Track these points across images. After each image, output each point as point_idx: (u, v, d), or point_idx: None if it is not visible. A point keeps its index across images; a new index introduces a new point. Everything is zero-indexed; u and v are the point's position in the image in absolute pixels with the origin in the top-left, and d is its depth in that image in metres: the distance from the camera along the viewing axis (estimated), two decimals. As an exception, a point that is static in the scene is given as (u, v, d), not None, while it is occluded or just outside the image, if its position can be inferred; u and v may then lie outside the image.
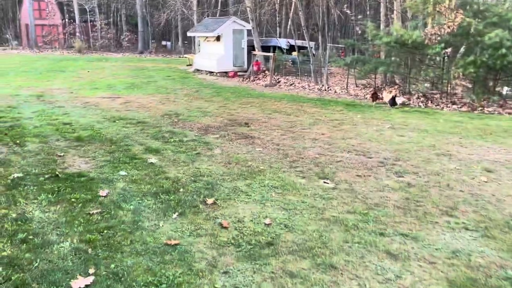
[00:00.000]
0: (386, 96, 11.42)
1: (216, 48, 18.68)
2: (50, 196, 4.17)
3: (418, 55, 12.56)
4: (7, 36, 43.38)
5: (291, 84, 15.37)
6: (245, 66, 18.88)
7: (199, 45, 21.56)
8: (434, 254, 3.20)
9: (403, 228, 3.65)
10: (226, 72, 18.17)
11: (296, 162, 5.58)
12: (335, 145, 6.60)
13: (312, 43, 18.77)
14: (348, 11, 15.27)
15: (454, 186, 4.78)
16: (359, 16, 14.63)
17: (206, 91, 12.95)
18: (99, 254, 3.08)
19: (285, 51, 19.75)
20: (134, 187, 4.52)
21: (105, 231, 3.44)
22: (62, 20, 40.64)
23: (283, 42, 20.60)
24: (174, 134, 7.09)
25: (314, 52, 17.49)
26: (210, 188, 4.51)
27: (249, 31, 18.98)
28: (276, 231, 3.54)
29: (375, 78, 13.85)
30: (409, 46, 11.71)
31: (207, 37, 19.03)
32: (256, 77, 17.10)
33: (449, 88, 11.95)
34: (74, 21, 39.06)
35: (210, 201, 4.14)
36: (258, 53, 18.23)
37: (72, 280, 2.72)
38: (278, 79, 16.30)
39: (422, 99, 11.69)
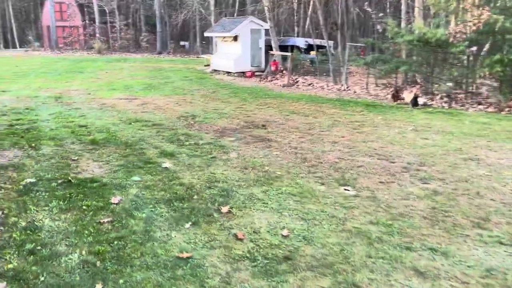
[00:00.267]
0: (408, 96, 11.07)
1: (233, 48, 18.54)
2: (61, 203, 4.05)
3: (441, 53, 12.15)
4: (30, 37, 44.22)
5: (309, 84, 15.11)
6: (263, 66, 18.68)
7: (216, 45, 21.46)
8: (467, 272, 2.95)
9: (431, 242, 3.39)
10: (243, 72, 18.01)
11: (315, 167, 5.36)
12: (355, 148, 6.34)
13: (331, 42, 18.45)
14: (369, 9, 14.90)
15: (484, 194, 4.48)
16: (380, 14, 14.26)
17: (223, 92, 12.81)
18: (108, 267, 2.94)
19: (303, 50, 19.49)
20: (147, 193, 4.37)
21: (115, 242, 3.29)
22: (83, 21, 41.20)
23: (301, 42, 20.33)
24: (190, 137, 6.95)
25: (333, 52, 17.18)
26: (225, 195, 4.33)
27: (266, 31, 18.78)
28: (294, 243, 3.34)
29: (396, 77, 13.48)
30: (432, 44, 11.32)
31: (224, 37, 18.90)
32: (273, 77, 16.89)
33: (474, 87, 11.50)
34: (94, 22, 39.50)
35: (224, 209, 3.96)
36: (276, 52, 18.02)
37: (78, 297, 2.58)
38: (296, 79, 16.05)
39: (445, 99, 11.28)
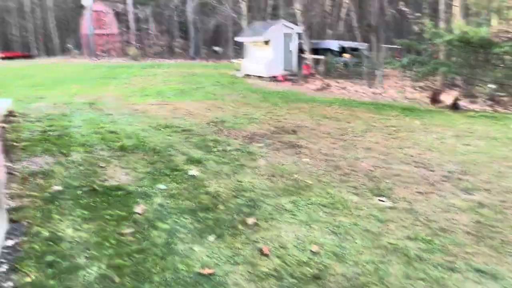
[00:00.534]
0: (447, 99, 10.55)
1: (264, 52, 18.40)
2: (85, 212, 3.98)
3: (483, 54, 11.53)
4: (69, 45, 45.90)
5: (342, 88, 14.73)
6: (295, 69, 18.45)
7: (248, 50, 21.40)
8: (520, 299, 2.62)
9: (477, 262, 3.06)
10: (275, 76, 17.83)
11: (348, 176, 5.08)
12: (391, 155, 6.00)
13: (365, 45, 17.99)
14: (405, 9, 14.38)
15: (536, 207, 4.07)
16: (417, 14, 13.73)
17: (254, 97, 12.66)
18: (126, 283, 2.80)
19: (336, 53, 19.11)
20: (171, 202, 4.24)
21: (136, 255, 3.16)
22: (119, 29, 42.33)
23: (334, 44, 19.96)
24: (218, 143, 6.81)
25: (367, 54, 16.71)
26: (252, 206, 4.13)
27: (299, 34, 18.54)
28: (324, 261, 3.10)
29: (435, 80, 12.92)
30: (473, 44, 10.75)
31: (255, 42, 18.79)
32: (306, 81, 16.61)
33: (520, 89, 10.83)
34: (130, 29, 40.50)
35: (250, 221, 3.76)
36: (308, 56, 17.74)
37: (92, 316, 2.45)
38: (328, 82, 15.71)
39: (488, 102, 10.66)
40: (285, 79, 17.68)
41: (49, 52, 54.21)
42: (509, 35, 9.98)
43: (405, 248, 3.27)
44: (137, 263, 3.05)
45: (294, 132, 7.63)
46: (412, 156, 5.97)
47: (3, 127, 7.96)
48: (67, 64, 31.41)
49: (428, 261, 3.08)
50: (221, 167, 5.46)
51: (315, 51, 19.08)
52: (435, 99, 11.02)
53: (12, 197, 4.42)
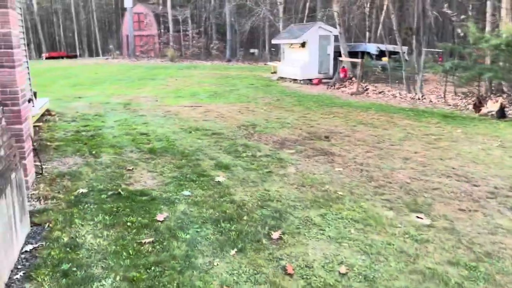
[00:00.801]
0: (492, 106, 9.93)
1: (300, 55, 18.11)
2: (107, 217, 3.89)
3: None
4: (110, 46, 47.26)
5: (380, 92, 14.23)
6: (331, 73, 18.05)
7: (283, 52, 21.17)
8: None
9: (528, 295, 2.71)
10: (310, 80, 17.51)
11: (383, 188, 4.76)
12: (430, 167, 5.61)
13: (405, 48, 17.35)
14: (449, 11, 13.72)
15: None
16: (461, 17, 13.06)
17: (288, 100, 12.42)
18: (139, 299, 2.65)
19: (374, 56, 18.57)
20: (195, 210, 4.08)
21: (153, 268, 3.01)
22: (158, 30, 43.19)
23: (372, 47, 19.42)
24: (248, 148, 6.63)
25: (407, 58, 16.10)
26: (278, 218, 3.91)
27: (336, 37, 18.14)
28: (353, 284, 2.83)
29: (479, 85, 12.22)
30: (523, 49, 10.05)
31: (291, 44, 18.55)
32: (342, 85, 16.20)
33: None
34: (168, 31, 41.21)
35: (275, 235, 3.54)
36: (345, 59, 17.31)
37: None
38: (365, 86, 15.23)
39: (539, 110, 9.95)
40: (321, 82, 17.32)
41: (92, 52, 56.14)
42: None
43: (445, 274, 2.96)
44: (153, 277, 2.90)
45: (327, 138, 7.35)
46: (453, 168, 5.55)
47: (39, 126, 8.12)
48: (107, 64, 32.29)
49: (471, 291, 2.76)
50: (248, 173, 5.27)
51: (353, 54, 18.61)
52: (479, 106, 10.40)
53: (38, 198, 4.41)
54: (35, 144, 6.81)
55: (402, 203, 4.31)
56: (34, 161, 5.34)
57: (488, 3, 15.05)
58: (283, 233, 3.58)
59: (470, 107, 10.87)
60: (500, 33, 11.73)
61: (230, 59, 37.13)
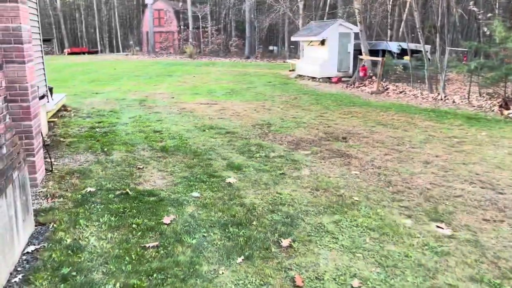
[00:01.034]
0: (520, 109, 9.49)
1: (320, 53, 17.81)
2: (112, 218, 3.78)
3: None
4: (131, 42, 47.69)
5: (400, 92, 13.85)
6: (351, 71, 17.70)
7: (302, 49, 20.89)
8: None
9: (560, 320, 2.47)
10: (329, 78, 17.20)
11: (401, 194, 4.53)
12: (453, 172, 5.34)
13: (428, 47, 16.87)
14: (475, 9, 13.20)
15: None
16: (489, 15, 12.54)
17: (305, 99, 12.18)
18: (138, 309, 2.51)
19: (395, 55, 18.12)
20: (203, 213, 3.94)
21: (155, 275, 2.87)
22: (178, 27, 43.33)
23: (393, 46, 18.97)
24: (262, 148, 6.45)
25: (429, 57, 15.65)
26: (289, 224, 3.73)
27: (356, 34, 17.76)
28: (366, 301, 2.64)
29: (505, 86, 11.73)
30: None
31: (311, 41, 18.25)
32: (361, 83, 15.85)
33: None
34: (188, 27, 41.29)
35: (285, 242, 3.36)
36: (365, 57, 16.93)
37: None
38: (386, 85, 14.86)
39: None
40: (340, 81, 17.00)
41: (112, 48, 56.78)
42: None
43: (467, 292, 2.73)
44: (154, 285, 2.76)
45: (345, 139, 7.11)
46: (477, 174, 5.26)
47: (54, 122, 8.12)
48: (127, 60, 32.53)
49: (496, 312, 2.53)
50: (261, 175, 5.10)
51: (374, 52, 18.21)
52: (505, 108, 9.98)
53: (46, 196, 4.34)
54: (48, 140, 6.80)
55: (421, 210, 4.08)
56: (45, 158, 5.30)
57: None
58: (294, 241, 3.40)
59: (496, 108, 10.44)
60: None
61: (249, 56, 36.96)
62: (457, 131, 7.97)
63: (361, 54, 17.41)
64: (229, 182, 4.81)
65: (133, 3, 59.91)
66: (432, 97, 12.56)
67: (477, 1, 25.56)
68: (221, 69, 24.26)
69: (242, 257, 3.13)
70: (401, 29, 27.51)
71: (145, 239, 3.41)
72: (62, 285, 2.75)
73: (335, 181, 4.90)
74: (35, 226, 3.65)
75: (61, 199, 4.24)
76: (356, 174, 5.20)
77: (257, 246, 3.30)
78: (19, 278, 2.84)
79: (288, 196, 4.40)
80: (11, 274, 2.91)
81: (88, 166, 5.41)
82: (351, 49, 17.75)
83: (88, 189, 4.52)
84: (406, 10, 22.16)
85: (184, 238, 3.43)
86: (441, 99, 12.28)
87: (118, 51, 53.93)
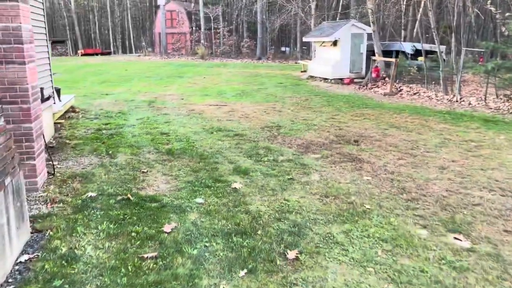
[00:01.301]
0: (540, 111, 9.12)
1: (332, 53, 17.54)
2: (111, 226, 3.62)
3: None
4: (143, 43, 47.91)
5: (414, 93, 13.52)
6: (363, 72, 17.38)
7: (314, 50, 20.63)
8: None
9: None
10: (341, 79, 16.92)
11: (416, 202, 4.29)
12: (470, 178, 5.07)
13: (443, 47, 16.49)
14: (492, 8, 12.82)
15: None
16: (507, 14, 12.16)
17: (316, 100, 11.94)
18: (131, 328, 2.34)
19: (409, 56, 17.77)
20: (206, 221, 3.76)
21: (151, 289, 2.70)
22: (190, 28, 43.39)
23: (407, 46, 18.61)
24: (270, 151, 6.25)
25: (444, 57, 15.27)
26: (296, 233, 3.52)
27: (369, 35, 17.45)
28: (378, 322, 2.42)
29: (524, 88, 11.34)
30: None
31: (323, 42, 17.99)
32: (374, 85, 15.54)
33: None
34: (200, 29, 41.30)
35: (291, 254, 3.16)
36: (378, 58, 16.62)
37: None
38: (399, 87, 14.54)
39: None
40: (352, 82, 16.71)
41: (125, 49, 57.17)
42: None
43: (489, 313, 2.50)
44: (149, 300, 2.59)
45: (356, 142, 6.87)
46: (497, 180, 4.99)
47: (61, 124, 8.03)
48: (138, 61, 32.61)
49: (522, 338, 2.30)
50: (268, 180, 4.90)
51: (387, 53, 17.88)
52: (524, 111, 9.62)
53: (45, 201, 4.21)
54: (53, 142, 6.70)
55: (437, 220, 3.84)
56: (48, 161, 5.18)
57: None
58: (300, 252, 3.19)
59: (514, 111, 10.08)
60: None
61: (261, 57, 36.79)
62: (474, 134, 7.67)
63: (374, 55, 17.09)
64: (235, 188, 4.62)
65: (146, 4, 60.26)
66: (447, 99, 12.22)
67: (494, 0, 24.99)
68: (232, 70, 24.12)
69: (245, 270, 2.94)
70: (415, 30, 27.04)
71: (144, 248, 3.24)
72: (53, 299, 2.59)
73: (346, 187, 4.68)
74: (32, 233, 3.51)
75: (61, 205, 4.10)
76: (368, 179, 4.97)
77: (261, 258, 3.11)
78: (8, 291, 2.69)
79: (296, 203, 4.19)
80: (1, 286, 2.76)
81: (92, 169, 5.28)
82: (363, 49, 17.44)
83: (89, 194, 4.37)
84: (421, 10, 21.73)
85: (185, 248, 3.25)
86: (457, 101, 11.93)
87: (130, 52, 54.27)
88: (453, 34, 13.73)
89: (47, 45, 7.28)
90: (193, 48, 41.12)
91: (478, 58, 18.18)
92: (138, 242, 3.33)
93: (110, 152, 6.11)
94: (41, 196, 4.34)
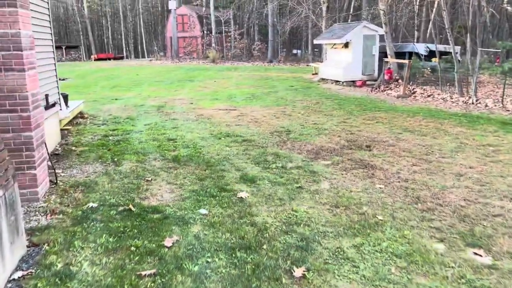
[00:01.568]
0: (561, 113, 8.76)
1: (343, 56, 17.28)
2: (110, 239, 3.47)
3: None
4: (155, 48, 48.16)
5: (428, 96, 13.19)
6: (375, 74, 17.08)
7: (325, 52, 20.38)
8: None
9: None
10: (353, 81, 16.64)
11: (431, 212, 4.05)
12: (489, 186, 4.81)
13: (458, 48, 16.10)
14: (509, 8, 12.42)
15: None
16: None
17: (327, 103, 11.71)
18: None
19: (423, 57, 17.40)
20: (209, 234, 3.58)
21: (147, 311, 2.53)
22: (201, 32, 43.45)
23: (421, 47, 18.24)
24: (279, 157, 6.06)
25: (459, 58, 14.90)
26: (303, 248, 3.32)
27: (381, 36, 17.15)
28: None
29: (544, 89, 10.96)
30: None
31: (334, 44, 17.74)
32: (387, 87, 15.24)
33: None
34: (211, 32, 41.33)
35: (298, 271, 2.96)
36: (391, 60, 16.31)
37: None
38: (413, 89, 14.21)
39: None
40: (364, 84, 16.42)
41: (138, 54, 57.58)
42: None
43: None
44: (144, 324, 2.42)
45: (369, 148, 6.64)
46: (518, 188, 4.72)
47: (68, 130, 7.96)
48: (150, 66, 32.72)
49: None
50: (276, 189, 4.71)
51: (400, 54, 17.55)
52: (544, 113, 9.26)
53: (45, 212, 4.08)
54: (59, 149, 6.61)
55: (455, 233, 3.60)
56: (51, 170, 5.07)
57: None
58: (308, 270, 2.99)
59: (533, 113, 9.72)
60: None
61: (272, 60, 36.62)
62: (491, 138, 7.36)
63: (386, 56, 16.79)
64: (241, 197, 4.44)
65: (158, 9, 60.67)
66: (463, 101, 11.87)
67: (510, 0, 24.43)
68: (243, 73, 23.99)
69: (248, 290, 2.75)
70: (428, 30, 26.61)
71: (142, 265, 3.07)
72: (42, 322, 2.44)
73: (357, 197, 4.46)
74: (28, 247, 3.37)
75: (61, 216, 3.97)
76: (380, 188, 4.74)
77: (266, 276, 2.91)
78: (-3, 312, 2.55)
79: (305, 214, 3.99)
80: (-9, 306, 2.62)
81: (95, 177, 5.16)
82: (376, 51, 17.15)
83: (91, 204, 4.24)
84: (434, 10, 21.32)
85: (185, 264, 3.08)
86: (473, 103, 11.58)
87: (143, 56, 54.64)
88: (468, 34, 13.37)
89: (53, 51, 7.20)
90: (204, 51, 41.14)
91: (494, 58, 17.73)
92: (137, 258, 3.17)
93: (116, 159, 5.99)
94: (42, 206, 4.21)
